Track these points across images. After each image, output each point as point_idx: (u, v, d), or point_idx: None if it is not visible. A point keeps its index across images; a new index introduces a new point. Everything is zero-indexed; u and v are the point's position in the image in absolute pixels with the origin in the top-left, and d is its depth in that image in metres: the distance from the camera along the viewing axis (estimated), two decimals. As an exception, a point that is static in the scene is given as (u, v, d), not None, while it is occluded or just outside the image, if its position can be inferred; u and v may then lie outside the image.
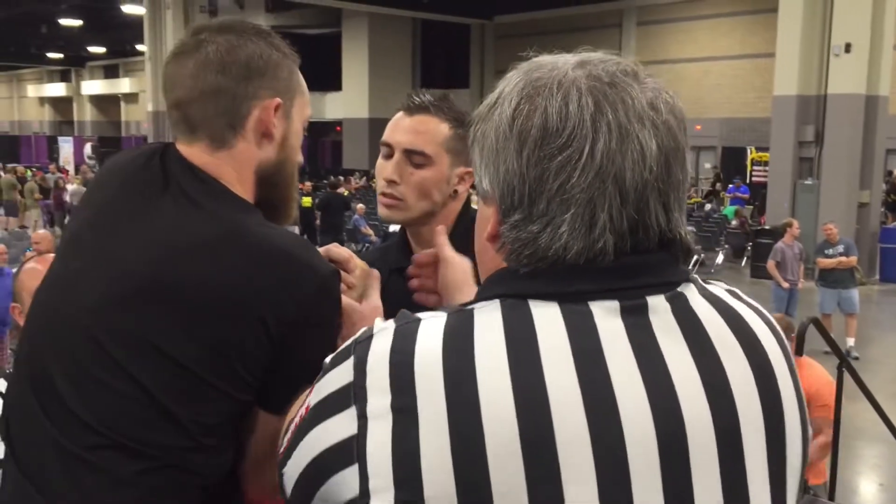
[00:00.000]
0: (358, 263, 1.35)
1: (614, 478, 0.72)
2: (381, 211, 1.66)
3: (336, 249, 1.36)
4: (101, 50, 38.41)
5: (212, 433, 1.11)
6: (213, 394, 1.08)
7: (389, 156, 1.61)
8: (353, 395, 0.78)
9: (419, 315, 0.81)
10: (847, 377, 4.14)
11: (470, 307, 0.80)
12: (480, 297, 0.82)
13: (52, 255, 1.51)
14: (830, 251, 9.55)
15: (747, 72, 22.00)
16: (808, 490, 3.75)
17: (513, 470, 0.71)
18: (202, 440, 1.10)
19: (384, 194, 1.62)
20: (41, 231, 9.56)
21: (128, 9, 24.19)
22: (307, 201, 15.27)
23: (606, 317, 0.76)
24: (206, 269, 1.08)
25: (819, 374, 4.35)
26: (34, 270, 2.35)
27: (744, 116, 22.30)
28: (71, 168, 28.77)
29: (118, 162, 1.26)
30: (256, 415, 1.15)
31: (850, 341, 9.10)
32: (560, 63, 0.81)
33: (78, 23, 29.12)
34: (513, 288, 0.79)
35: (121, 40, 33.89)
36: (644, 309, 0.77)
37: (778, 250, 9.70)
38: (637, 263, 0.78)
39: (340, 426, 0.78)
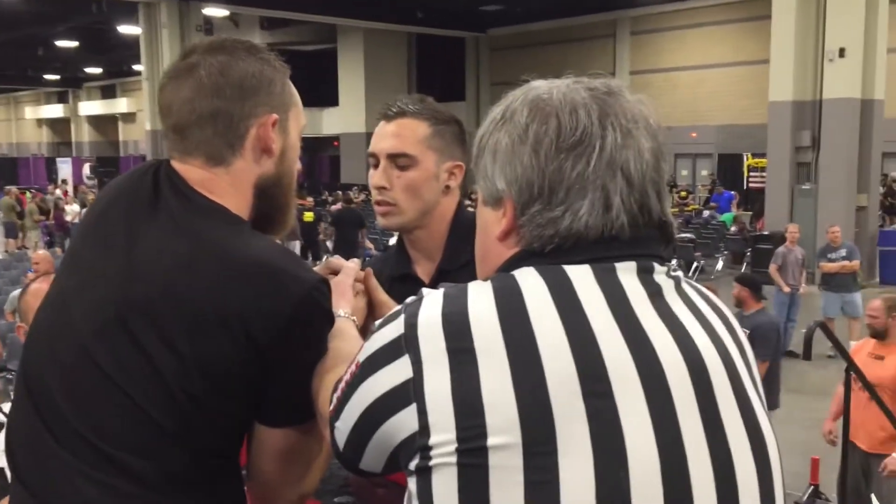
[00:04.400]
0: (361, 274, 1.38)
1: (659, 395, 0.83)
2: (379, 220, 1.68)
3: (337, 261, 1.39)
4: (97, 71, 38.50)
5: (214, 452, 1.12)
6: (207, 410, 1.09)
7: (377, 165, 1.64)
8: (405, 344, 0.85)
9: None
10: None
11: (505, 274, 0.89)
12: (508, 271, 0.89)
13: (56, 275, 1.52)
14: (833, 255, 9.55)
15: (742, 79, 22.06)
16: (820, 494, 3.75)
17: (571, 391, 0.80)
18: (204, 460, 1.11)
19: (378, 202, 1.65)
20: (41, 252, 9.56)
21: (124, 29, 24.26)
22: (310, 216, 15.21)
23: (626, 274, 0.89)
24: (187, 286, 1.09)
25: None
26: (40, 290, 2.35)
27: (739, 123, 22.34)
28: (70, 189, 28.76)
29: (116, 180, 1.28)
30: (259, 432, 1.16)
31: (854, 344, 9.09)
32: (557, 83, 0.94)
33: (74, 44, 29.20)
34: (542, 260, 0.88)
35: (117, 61, 33.97)
36: (652, 270, 0.91)
37: (779, 255, 9.70)
38: (646, 237, 0.91)
39: (394, 374, 0.85)
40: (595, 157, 0.88)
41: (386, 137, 1.63)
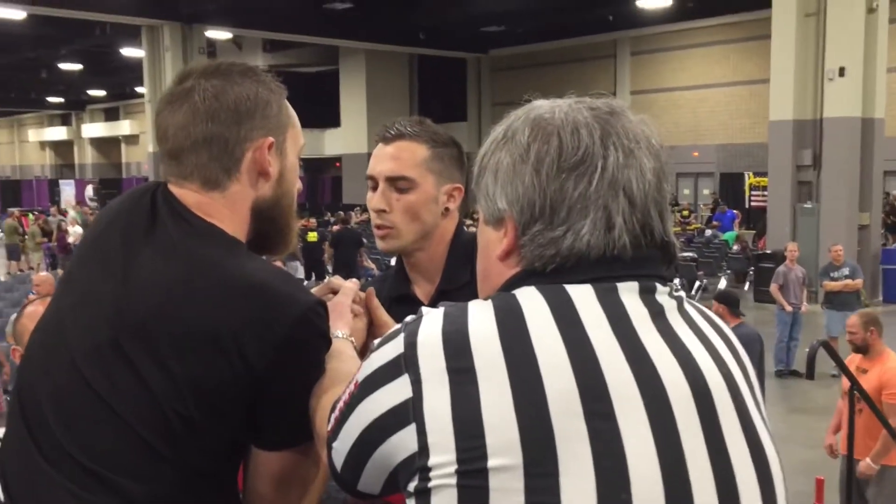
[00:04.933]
0: (360, 294, 1.38)
1: (662, 416, 0.82)
2: (378, 243, 1.67)
3: (336, 281, 1.38)
4: (101, 93, 38.71)
5: (207, 475, 1.11)
6: (200, 432, 1.08)
7: (375, 188, 1.63)
8: (405, 364, 0.84)
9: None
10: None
11: (506, 293, 0.88)
12: (509, 291, 0.88)
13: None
14: (836, 274, 9.53)
15: (742, 98, 22.15)
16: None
17: (572, 412, 0.79)
18: (197, 483, 1.10)
19: (377, 226, 1.64)
20: (42, 274, 9.56)
21: (127, 52, 24.44)
22: (313, 236, 15.23)
23: (628, 294, 0.88)
24: (181, 308, 1.08)
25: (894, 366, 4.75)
26: (36, 313, 2.34)
27: (740, 142, 22.40)
28: (71, 211, 28.80)
29: (114, 202, 1.28)
30: (255, 455, 1.15)
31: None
32: (558, 102, 0.94)
33: (78, 67, 29.39)
34: (543, 280, 0.87)
35: (120, 83, 34.17)
36: (654, 291, 0.90)
37: (780, 274, 9.69)
38: (648, 257, 0.91)
39: (393, 393, 0.84)
40: (597, 176, 0.87)
41: (384, 160, 1.62)
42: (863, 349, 4.85)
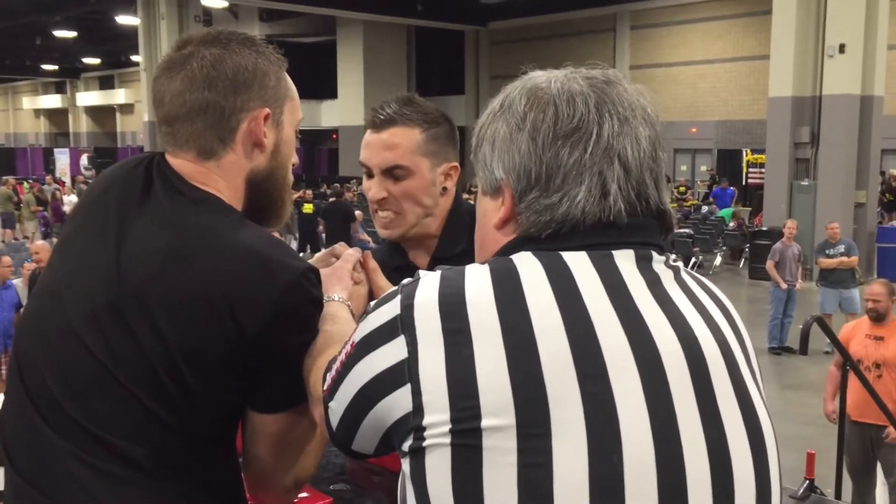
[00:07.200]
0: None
1: (656, 380, 0.83)
2: (381, 231, 1.66)
3: (340, 248, 1.40)
4: (96, 61, 38.43)
5: (207, 439, 1.12)
6: (197, 396, 1.09)
7: (370, 175, 1.63)
8: (401, 325, 0.85)
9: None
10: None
11: (503, 257, 0.89)
12: (505, 256, 0.89)
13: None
14: (831, 251, 9.57)
15: (742, 74, 22.06)
16: (815, 489, 3.76)
17: (566, 375, 0.80)
18: (199, 446, 1.11)
19: (378, 213, 1.64)
20: (38, 242, 9.54)
21: (122, 20, 24.21)
22: (309, 208, 15.19)
23: (624, 261, 0.89)
24: (174, 275, 1.09)
25: None
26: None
27: (739, 119, 22.35)
28: (67, 180, 28.66)
29: (109, 170, 1.28)
30: (251, 418, 1.16)
31: (845, 328, 9.10)
32: (555, 73, 0.93)
33: (73, 34, 29.14)
34: (539, 245, 0.88)
35: (115, 51, 33.91)
36: (650, 258, 0.91)
37: (776, 251, 9.72)
38: (643, 224, 0.91)
39: (389, 354, 0.85)
40: (592, 144, 0.88)
41: (378, 150, 1.60)
42: (881, 317, 5.01)
